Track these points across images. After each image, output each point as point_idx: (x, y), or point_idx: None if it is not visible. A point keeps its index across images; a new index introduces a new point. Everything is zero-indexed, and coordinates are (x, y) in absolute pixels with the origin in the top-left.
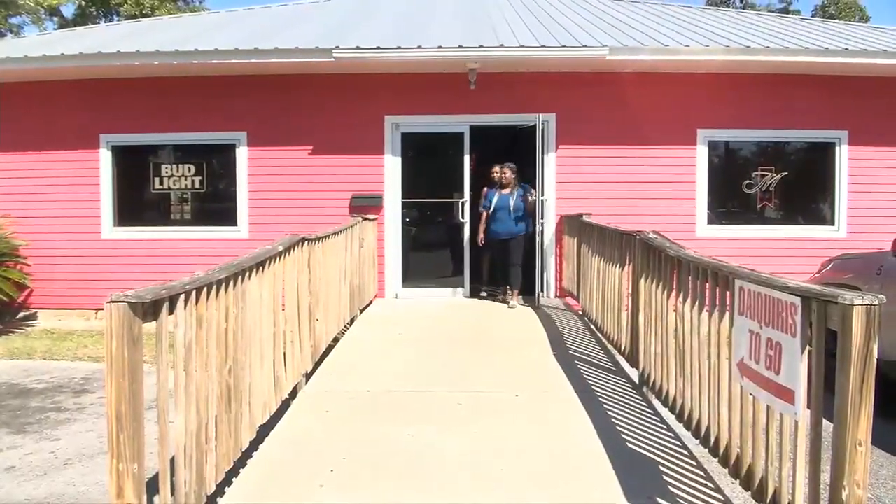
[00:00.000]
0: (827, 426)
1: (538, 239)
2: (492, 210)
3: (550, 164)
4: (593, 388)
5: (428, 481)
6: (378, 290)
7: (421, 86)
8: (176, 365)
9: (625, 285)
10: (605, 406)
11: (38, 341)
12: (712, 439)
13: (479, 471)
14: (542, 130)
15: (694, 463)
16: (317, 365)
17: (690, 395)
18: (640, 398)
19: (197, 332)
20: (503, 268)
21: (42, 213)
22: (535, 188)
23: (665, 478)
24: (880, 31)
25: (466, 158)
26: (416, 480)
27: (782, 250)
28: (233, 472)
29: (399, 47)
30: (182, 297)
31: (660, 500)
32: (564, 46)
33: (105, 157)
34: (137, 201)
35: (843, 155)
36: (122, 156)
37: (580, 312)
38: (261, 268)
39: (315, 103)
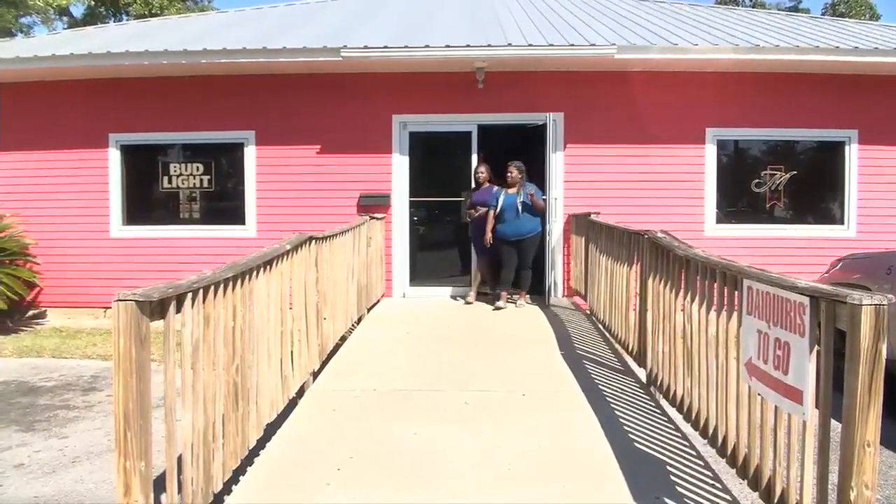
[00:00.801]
0: (835, 426)
1: (547, 239)
2: (499, 210)
3: (558, 163)
4: (601, 387)
5: (434, 480)
6: (385, 289)
7: (428, 85)
8: (183, 363)
9: (633, 285)
10: (612, 405)
11: (48, 339)
12: (720, 439)
13: (485, 470)
14: (551, 129)
15: (702, 463)
16: (324, 364)
17: (698, 395)
18: (647, 398)
19: (204, 330)
20: (511, 270)
21: (51, 211)
22: (542, 188)
23: (672, 478)
24: (891, 30)
25: (474, 158)
26: (422, 479)
27: (791, 250)
28: (240, 471)
29: (406, 47)
30: (189, 295)
31: (667, 500)
32: (573, 45)
33: (114, 157)
34: (146, 200)
35: (853, 154)
36: (131, 155)
37: (588, 312)
38: (268, 266)
39: (323, 102)
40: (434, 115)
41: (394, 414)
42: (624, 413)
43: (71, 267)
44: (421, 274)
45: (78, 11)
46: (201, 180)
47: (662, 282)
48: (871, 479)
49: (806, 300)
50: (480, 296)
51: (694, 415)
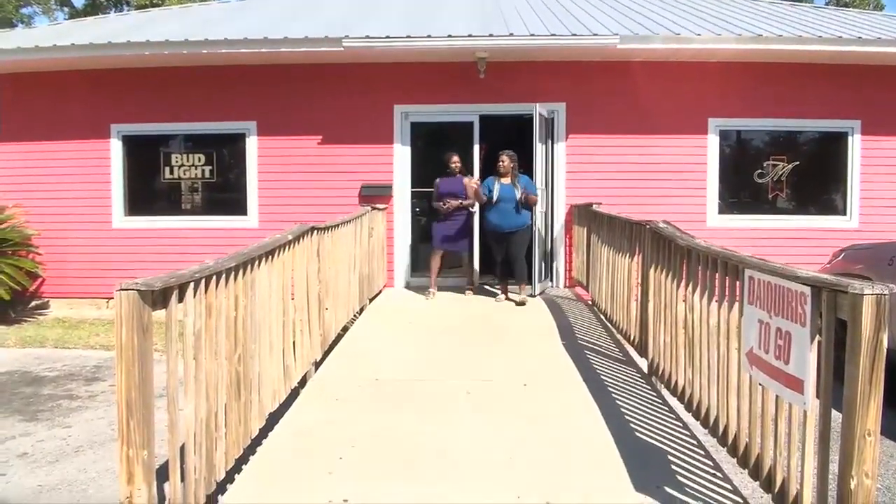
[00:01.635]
0: (836, 417)
1: (539, 230)
2: (495, 201)
3: (560, 153)
4: (602, 377)
5: (435, 469)
6: (387, 279)
7: (430, 75)
8: (185, 353)
9: (634, 275)
10: (613, 395)
11: (50, 330)
12: (721, 429)
13: (486, 459)
14: (552, 120)
15: (703, 452)
16: (326, 353)
17: (699, 385)
18: (649, 388)
19: (206, 320)
20: (506, 263)
21: (54, 202)
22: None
23: (674, 467)
24: (894, 20)
25: (476, 148)
26: (423, 468)
27: (794, 240)
28: (242, 460)
29: (408, 36)
30: (191, 285)
31: (668, 490)
32: (575, 35)
33: (116, 147)
34: (148, 191)
35: (856, 145)
36: (133, 145)
37: (590, 302)
38: (270, 257)
39: (325, 93)
40: (436, 106)
41: (395, 403)
42: (625, 403)
43: (73, 258)
44: (423, 265)
45: (79, 2)
46: (203, 171)
47: (664, 272)
48: (871, 469)
49: (807, 290)
50: (483, 285)
51: (695, 404)
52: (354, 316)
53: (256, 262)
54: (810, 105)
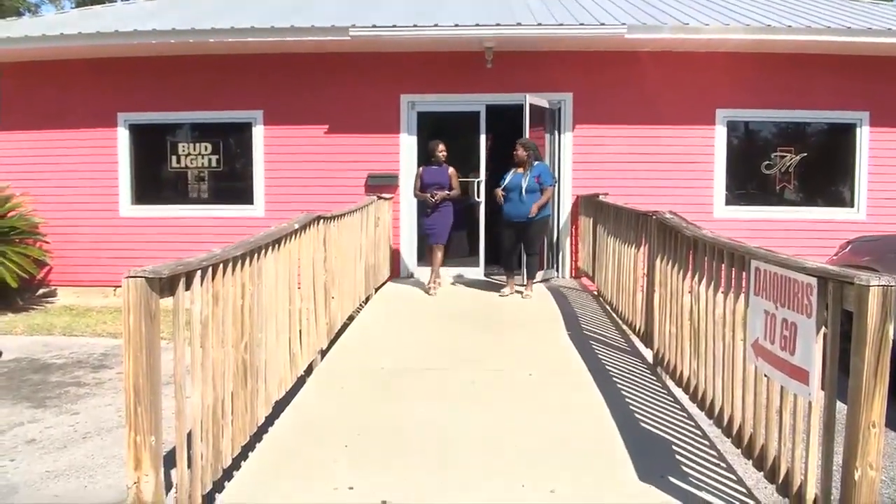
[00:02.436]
0: (841, 408)
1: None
2: (504, 190)
3: (567, 143)
4: (607, 367)
5: (441, 458)
6: (393, 269)
7: (437, 65)
8: (193, 341)
9: (640, 266)
10: (618, 385)
11: (58, 317)
12: (726, 419)
13: (491, 448)
14: (559, 110)
15: (707, 443)
16: (332, 342)
17: (704, 376)
18: (654, 378)
19: (213, 308)
20: (514, 255)
21: (61, 190)
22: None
23: (678, 457)
24: None
25: (482, 138)
26: (429, 456)
27: (801, 232)
28: (249, 447)
29: (415, 26)
30: (199, 273)
31: (672, 480)
32: (582, 25)
33: (123, 136)
34: (155, 180)
35: (864, 136)
36: (140, 134)
37: (595, 293)
38: (277, 245)
39: (331, 82)
40: (442, 96)
41: (401, 392)
42: (630, 393)
43: (80, 246)
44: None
45: None
46: (210, 160)
47: (670, 263)
48: (875, 460)
49: (813, 281)
50: (489, 275)
51: (700, 395)
52: (360, 305)
53: (263, 251)
54: (819, 96)
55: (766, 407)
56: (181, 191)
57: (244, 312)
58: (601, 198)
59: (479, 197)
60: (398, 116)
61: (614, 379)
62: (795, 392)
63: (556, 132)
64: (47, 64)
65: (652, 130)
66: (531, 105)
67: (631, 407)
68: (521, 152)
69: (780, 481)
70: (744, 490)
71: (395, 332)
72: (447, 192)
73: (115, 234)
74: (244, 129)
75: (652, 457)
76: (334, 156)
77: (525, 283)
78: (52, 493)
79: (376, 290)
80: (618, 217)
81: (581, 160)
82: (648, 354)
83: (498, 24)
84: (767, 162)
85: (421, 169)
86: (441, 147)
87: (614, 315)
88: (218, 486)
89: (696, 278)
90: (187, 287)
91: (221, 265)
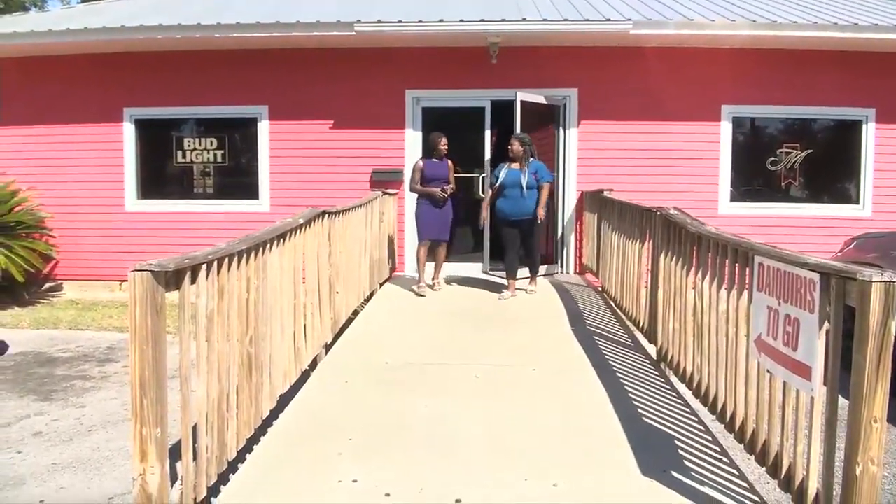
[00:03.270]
0: (843, 404)
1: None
2: (499, 187)
3: (572, 139)
4: (611, 363)
5: (444, 452)
6: (398, 264)
7: (442, 60)
8: (198, 334)
9: (644, 261)
10: (622, 381)
11: (64, 312)
12: (728, 415)
13: (494, 443)
14: (564, 106)
15: (710, 438)
16: (336, 337)
17: (708, 372)
18: (657, 374)
19: (219, 302)
20: (514, 253)
21: (67, 185)
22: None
23: (681, 452)
24: None
25: (487, 133)
26: (432, 451)
27: (806, 228)
28: (253, 440)
29: (421, 21)
30: (204, 267)
31: (675, 474)
32: (588, 20)
33: (128, 131)
34: (160, 174)
35: (870, 133)
36: (146, 129)
37: (599, 289)
38: (281, 240)
39: (336, 77)
40: (447, 91)
41: (405, 386)
42: (633, 388)
43: (86, 240)
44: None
45: None
46: (215, 155)
47: (674, 259)
48: (877, 455)
49: (816, 276)
50: (493, 271)
51: (703, 390)
52: (365, 300)
53: (268, 246)
54: (825, 92)
55: (768, 402)
56: (187, 186)
57: (249, 306)
58: (606, 194)
59: (483, 193)
60: (403, 112)
61: (618, 374)
62: (798, 388)
63: (562, 128)
64: (53, 59)
65: (657, 126)
66: (528, 102)
67: (634, 402)
68: (516, 146)
69: (782, 476)
70: (746, 485)
71: (399, 328)
72: (451, 186)
73: (121, 229)
74: (249, 125)
75: (655, 452)
76: (339, 151)
77: (529, 279)
78: (58, 484)
79: (380, 285)
80: (622, 213)
81: (586, 156)
82: (652, 350)
83: (503, 20)
84: (773, 158)
85: (422, 162)
86: (444, 141)
87: (618, 311)
88: (223, 479)
89: (700, 274)
90: (193, 281)
91: (227, 259)
